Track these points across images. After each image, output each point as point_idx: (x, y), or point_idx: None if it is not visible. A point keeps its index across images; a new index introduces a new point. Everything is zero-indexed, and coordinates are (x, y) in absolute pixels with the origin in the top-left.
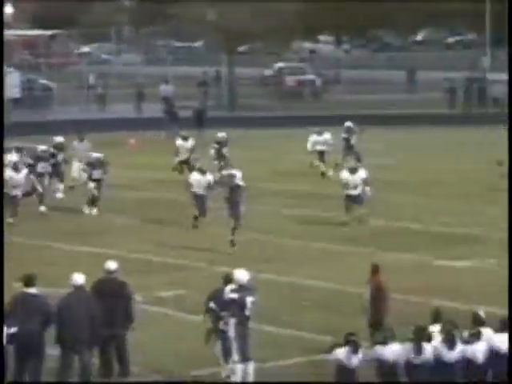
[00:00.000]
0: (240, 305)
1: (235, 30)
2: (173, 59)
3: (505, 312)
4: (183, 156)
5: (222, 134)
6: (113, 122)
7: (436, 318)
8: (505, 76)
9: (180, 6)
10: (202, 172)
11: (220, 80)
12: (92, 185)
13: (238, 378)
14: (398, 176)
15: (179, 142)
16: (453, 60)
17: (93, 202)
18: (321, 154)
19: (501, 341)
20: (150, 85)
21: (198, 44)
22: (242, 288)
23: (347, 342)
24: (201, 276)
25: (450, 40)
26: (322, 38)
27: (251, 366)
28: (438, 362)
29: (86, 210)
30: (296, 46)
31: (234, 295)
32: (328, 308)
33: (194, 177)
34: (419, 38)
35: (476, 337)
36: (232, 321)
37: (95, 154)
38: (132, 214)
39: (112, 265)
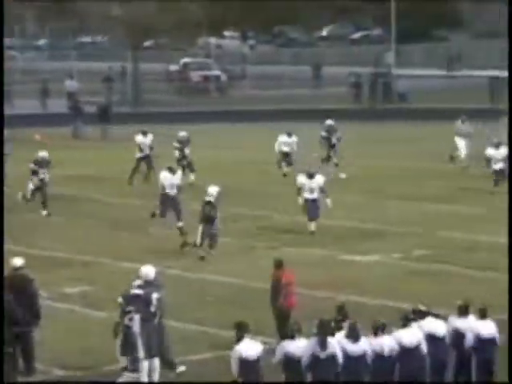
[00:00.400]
0: (145, 301)
1: (140, 25)
2: (78, 55)
3: (409, 306)
4: (144, 152)
5: (183, 133)
6: (18, 118)
7: (341, 312)
8: (409, 71)
9: (85, 1)
10: (172, 171)
11: (125, 75)
12: (35, 183)
13: (144, 374)
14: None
15: (139, 137)
16: (358, 55)
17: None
18: (285, 155)
19: (407, 336)
20: (55, 80)
21: (104, 39)
22: (148, 284)
23: (240, 336)
24: (106, 272)
25: (356, 35)
26: (227, 33)
27: (157, 362)
28: (345, 356)
29: (43, 212)
30: (202, 41)
31: (139, 291)
32: (234, 303)
33: (165, 176)
34: (324, 33)
35: (382, 330)
36: (137, 317)
37: (42, 153)
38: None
39: (18, 261)
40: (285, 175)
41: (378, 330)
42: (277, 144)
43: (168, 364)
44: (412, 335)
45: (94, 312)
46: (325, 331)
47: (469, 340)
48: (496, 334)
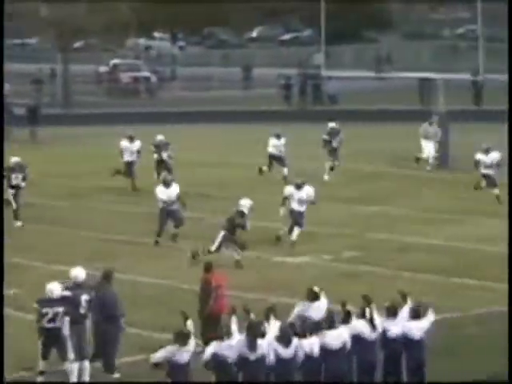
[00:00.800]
0: (73, 303)
1: (69, 27)
2: (7, 56)
3: (337, 307)
4: (128, 158)
5: (160, 137)
6: None
7: (271, 314)
8: (339, 72)
9: (13, 2)
10: (167, 184)
11: (55, 77)
12: (11, 191)
13: (73, 376)
14: (237, 173)
15: (124, 142)
16: (288, 57)
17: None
18: (278, 159)
19: (332, 337)
20: None
21: (33, 41)
22: (77, 286)
23: (176, 338)
24: (37, 274)
25: (285, 37)
26: (157, 34)
27: (87, 365)
28: (276, 359)
29: (18, 223)
30: (131, 42)
31: (67, 293)
32: (165, 305)
33: (161, 191)
34: (254, 34)
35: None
36: (66, 319)
37: (15, 158)
38: None
39: None
40: (284, 178)
41: (308, 331)
42: (270, 148)
43: (107, 366)
44: (337, 336)
45: (26, 315)
46: (254, 333)
47: (398, 340)
48: (425, 335)
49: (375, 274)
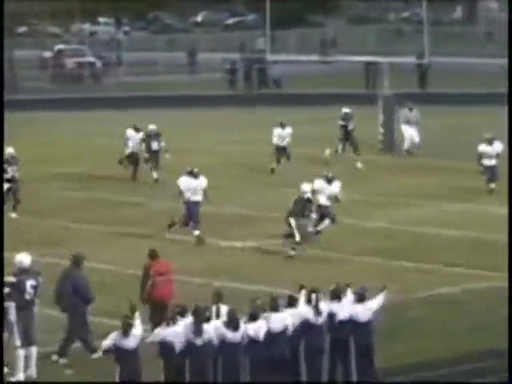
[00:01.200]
0: (18, 289)
1: (13, 12)
2: None
3: (282, 291)
4: (134, 147)
5: (152, 127)
6: None
7: (218, 298)
8: (284, 57)
9: None
10: (194, 175)
11: None
12: (6, 186)
13: (20, 362)
14: (185, 159)
15: (130, 131)
16: (232, 41)
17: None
18: (283, 150)
19: (275, 320)
20: None
21: None
22: (22, 271)
23: (122, 325)
24: None
25: (230, 21)
26: (101, 19)
27: (34, 351)
28: (223, 343)
29: (13, 214)
30: (76, 27)
31: (13, 279)
32: (114, 291)
33: (185, 181)
34: (199, 19)
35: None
36: (12, 305)
37: (9, 149)
38: None
39: None
40: (272, 170)
41: (255, 315)
42: (274, 138)
43: (87, 348)
44: (281, 320)
45: None
46: (200, 318)
47: (344, 324)
48: (372, 318)
49: (320, 257)
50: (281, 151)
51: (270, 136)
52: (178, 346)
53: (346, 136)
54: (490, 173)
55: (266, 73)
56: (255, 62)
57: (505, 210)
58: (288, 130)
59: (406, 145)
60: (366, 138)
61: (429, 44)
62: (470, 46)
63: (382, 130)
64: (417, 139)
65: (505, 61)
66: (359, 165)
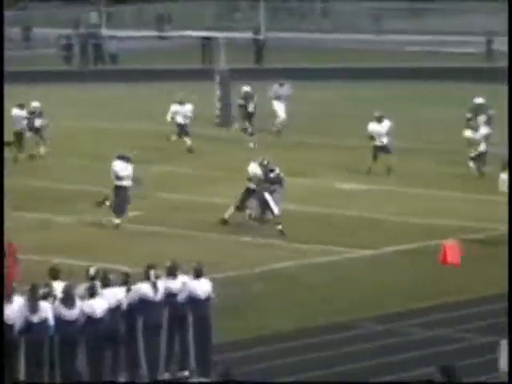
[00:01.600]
0: None
1: None
2: None
3: (118, 267)
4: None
5: (35, 104)
6: None
7: (54, 275)
8: (120, 32)
9: None
10: (125, 159)
11: None
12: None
13: None
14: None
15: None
16: (66, 16)
17: None
18: (180, 127)
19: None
20: None
21: None
22: None
23: None
24: None
25: None
26: None
27: None
28: (59, 321)
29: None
30: None
31: None
32: None
33: (117, 166)
34: None
35: (92, 292)
36: None
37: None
38: None
39: None
40: (190, 150)
41: (92, 292)
42: (169, 114)
43: None
44: (113, 295)
45: None
46: (35, 295)
47: (181, 299)
48: (210, 293)
49: (160, 233)
50: (179, 128)
51: (110, 112)
52: (18, 323)
53: (247, 116)
54: (385, 152)
55: (101, 48)
56: (90, 37)
57: (350, 185)
58: (188, 107)
59: (279, 120)
60: (203, 113)
61: (265, 19)
62: (306, 21)
63: (218, 104)
64: (282, 115)
65: (340, 36)
66: (251, 145)
